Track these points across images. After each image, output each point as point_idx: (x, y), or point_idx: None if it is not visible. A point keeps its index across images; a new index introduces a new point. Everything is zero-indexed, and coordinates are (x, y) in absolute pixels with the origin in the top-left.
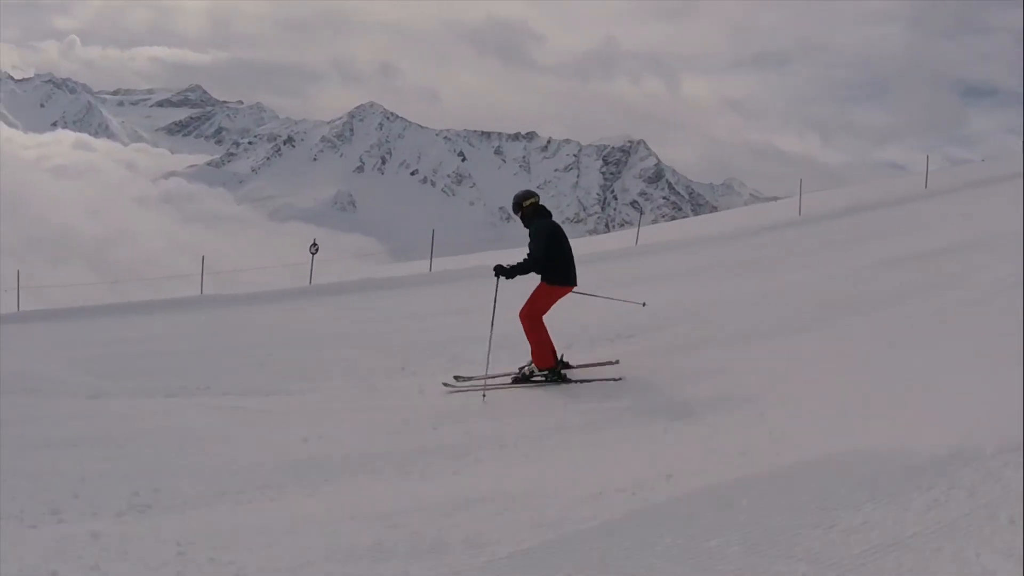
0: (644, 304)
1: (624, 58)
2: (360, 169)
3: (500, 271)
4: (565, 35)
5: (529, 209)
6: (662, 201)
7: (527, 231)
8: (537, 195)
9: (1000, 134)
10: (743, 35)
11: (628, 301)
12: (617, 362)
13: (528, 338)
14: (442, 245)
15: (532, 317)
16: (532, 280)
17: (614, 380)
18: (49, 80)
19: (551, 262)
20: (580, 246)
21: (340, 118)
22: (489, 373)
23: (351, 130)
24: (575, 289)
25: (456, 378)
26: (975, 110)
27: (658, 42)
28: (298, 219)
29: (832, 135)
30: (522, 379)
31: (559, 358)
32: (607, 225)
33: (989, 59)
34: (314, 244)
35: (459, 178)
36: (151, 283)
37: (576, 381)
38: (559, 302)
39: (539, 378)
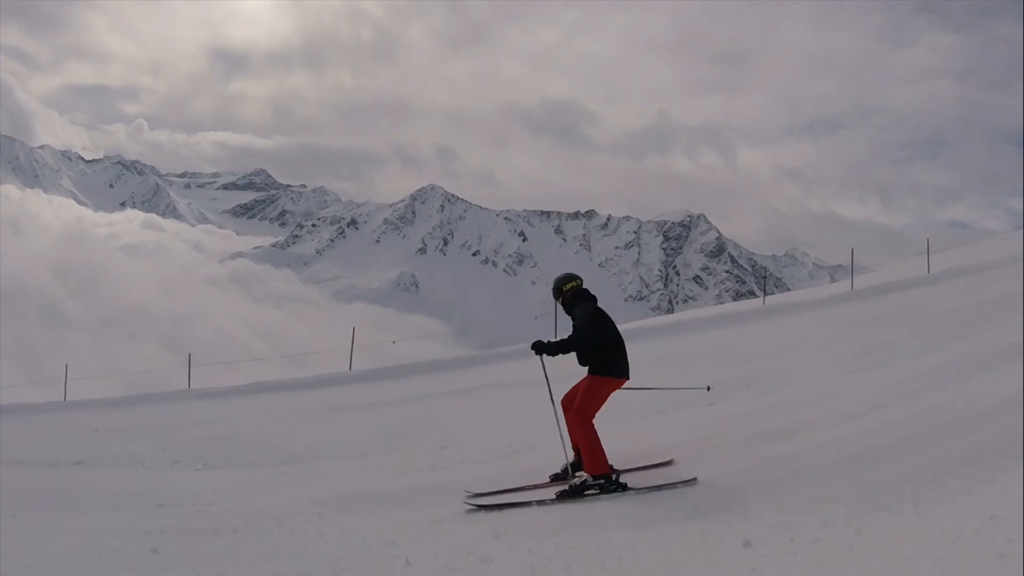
0: (709, 388)
1: (678, 132)
2: (423, 250)
3: (541, 348)
4: (618, 113)
5: (571, 293)
6: (725, 275)
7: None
8: (579, 278)
9: None
10: (796, 102)
11: (691, 388)
12: (671, 461)
13: (576, 440)
14: (504, 326)
15: (583, 416)
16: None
17: (686, 483)
18: (118, 162)
19: (599, 349)
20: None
21: (402, 200)
22: (518, 484)
23: (413, 212)
24: (627, 384)
25: (473, 496)
26: None
27: (711, 114)
28: (363, 300)
29: (892, 197)
30: (572, 493)
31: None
32: (670, 301)
33: None
34: None
35: (520, 258)
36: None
37: (639, 489)
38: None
39: (592, 491)
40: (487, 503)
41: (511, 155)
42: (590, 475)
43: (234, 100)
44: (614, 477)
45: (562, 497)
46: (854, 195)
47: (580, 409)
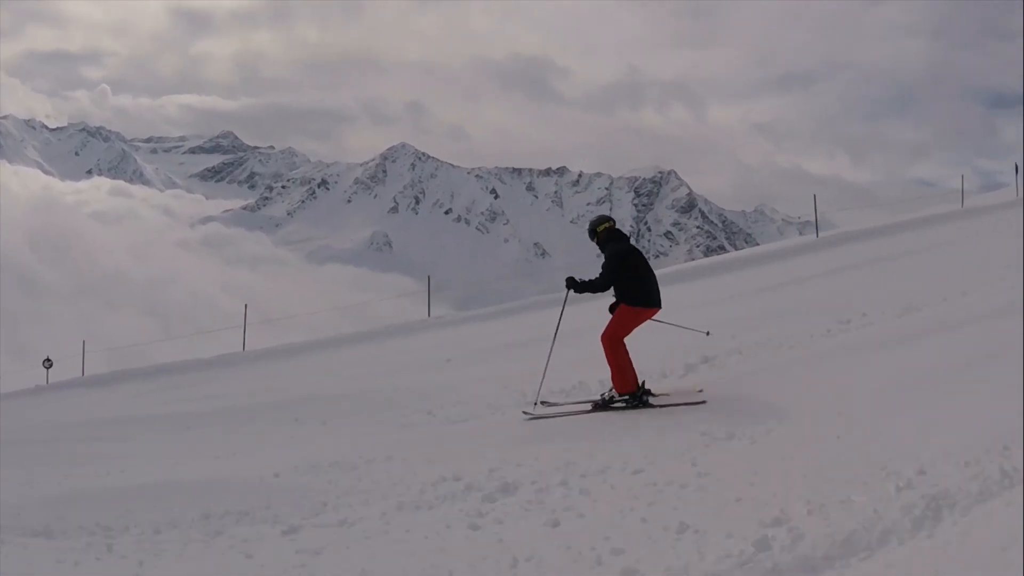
0: (708, 333)
1: (649, 87)
2: (394, 209)
3: (571, 283)
4: (589, 67)
5: (604, 234)
6: (696, 231)
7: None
8: (612, 220)
9: None
10: (767, 57)
11: (692, 329)
12: (701, 391)
13: (608, 361)
14: (479, 284)
15: (613, 339)
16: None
17: (697, 403)
18: (83, 129)
19: (630, 283)
20: None
21: (372, 160)
22: (568, 399)
23: (384, 171)
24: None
25: (540, 404)
26: (1004, 119)
27: (682, 69)
28: (336, 260)
29: (861, 154)
30: (602, 405)
31: (640, 384)
32: None
33: (1015, 65)
34: None
35: (492, 215)
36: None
37: (659, 407)
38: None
39: (620, 404)
40: (544, 414)
41: (482, 110)
42: (616, 392)
43: (199, 61)
44: (640, 395)
45: (595, 409)
46: (824, 151)
47: (610, 334)
